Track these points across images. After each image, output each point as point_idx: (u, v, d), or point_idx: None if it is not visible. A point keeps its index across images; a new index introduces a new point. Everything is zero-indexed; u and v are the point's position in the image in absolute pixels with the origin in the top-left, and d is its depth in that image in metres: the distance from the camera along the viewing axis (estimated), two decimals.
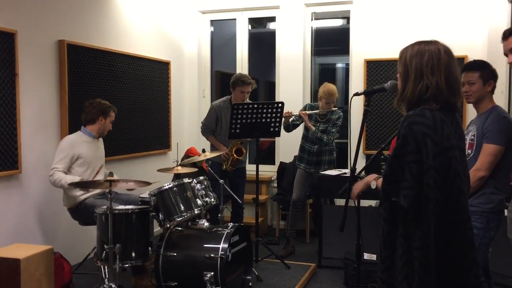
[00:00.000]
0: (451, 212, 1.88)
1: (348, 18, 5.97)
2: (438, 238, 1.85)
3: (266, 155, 6.60)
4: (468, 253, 1.91)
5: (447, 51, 1.94)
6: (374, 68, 5.60)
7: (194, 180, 3.74)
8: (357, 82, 5.71)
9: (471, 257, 1.92)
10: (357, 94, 2.26)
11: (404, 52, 1.98)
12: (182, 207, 3.57)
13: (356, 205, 2.51)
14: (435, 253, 1.85)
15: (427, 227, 1.84)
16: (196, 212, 3.62)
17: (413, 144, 1.84)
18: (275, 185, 6.02)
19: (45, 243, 4.05)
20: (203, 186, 3.79)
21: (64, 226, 4.34)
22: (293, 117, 4.78)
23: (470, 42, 5.19)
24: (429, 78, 1.88)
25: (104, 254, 3.36)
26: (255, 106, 4.31)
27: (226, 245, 3.38)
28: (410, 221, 1.88)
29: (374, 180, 2.07)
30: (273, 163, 6.26)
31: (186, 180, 3.68)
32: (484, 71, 2.89)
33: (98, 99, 4.14)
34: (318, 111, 4.77)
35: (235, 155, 4.66)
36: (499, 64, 3.93)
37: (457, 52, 2.00)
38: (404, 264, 1.88)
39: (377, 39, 5.62)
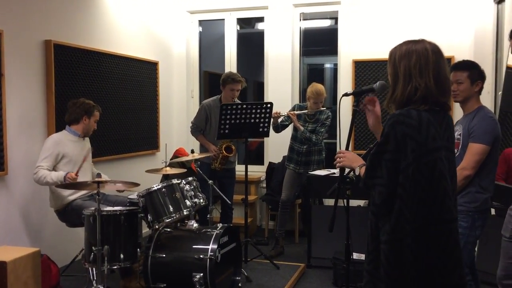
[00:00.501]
0: (436, 213, 1.89)
1: (336, 19, 6.00)
2: (423, 238, 1.87)
3: (255, 156, 6.60)
4: (453, 254, 1.93)
5: (435, 49, 1.94)
6: (362, 68, 5.63)
7: (183, 181, 3.73)
8: (345, 82, 5.74)
9: (456, 258, 1.94)
10: (346, 94, 2.26)
11: (393, 52, 1.99)
12: (171, 208, 3.55)
13: (346, 205, 2.51)
14: (421, 253, 1.87)
15: (395, 223, 1.88)
16: (185, 213, 3.61)
17: (393, 143, 1.86)
18: (264, 185, 6.02)
19: (32, 245, 4.00)
20: (192, 187, 3.78)
21: (51, 227, 4.30)
22: (282, 117, 4.78)
23: (457, 42, 5.23)
24: (417, 80, 1.89)
25: (92, 256, 3.34)
26: (244, 106, 4.31)
27: (216, 246, 3.37)
28: (381, 215, 1.94)
29: (359, 167, 2.07)
30: (261, 163, 6.26)
31: (175, 181, 3.67)
32: (472, 71, 2.92)
33: (82, 98, 4.10)
34: (306, 111, 4.78)
35: (224, 152, 4.65)
36: (485, 65, 3.98)
37: (444, 52, 2.00)
38: (375, 253, 1.97)
39: (365, 39, 5.64)
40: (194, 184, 3.82)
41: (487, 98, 4.70)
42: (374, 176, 1.91)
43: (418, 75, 1.89)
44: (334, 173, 4.53)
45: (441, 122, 1.94)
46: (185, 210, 3.61)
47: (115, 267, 3.44)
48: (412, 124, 1.85)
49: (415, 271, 1.88)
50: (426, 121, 1.87)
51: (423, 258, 1.87)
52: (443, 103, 1.95)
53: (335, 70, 6.94)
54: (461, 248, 2.69)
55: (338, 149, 5.78)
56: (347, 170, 2.25)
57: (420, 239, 1.87)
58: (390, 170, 1.86)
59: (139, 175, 4.75)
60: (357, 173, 2.08)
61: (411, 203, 1.86)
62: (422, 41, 1.96)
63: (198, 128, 4.84)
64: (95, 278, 3.53)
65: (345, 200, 2.53)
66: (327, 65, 7.30)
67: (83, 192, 3.93)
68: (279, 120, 4.79)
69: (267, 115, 4.38)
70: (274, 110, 4.51)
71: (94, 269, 3.52)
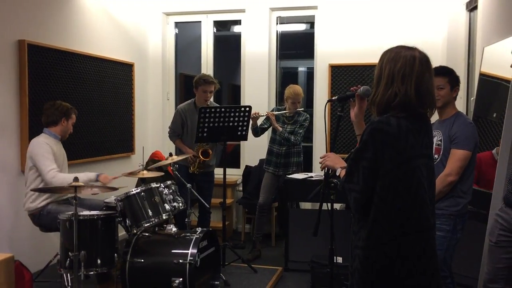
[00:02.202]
0: (413, 222, 1.89)
1: (312, 23, 6.04)
2: (400, 247, 1.88)
3: (230, 159, 6.58)
4: (431, 260, 1.93)
5: (423, 60, 1.93)
6: (339, 73, 5.68)
7: (162, 184, 3.68)
8: (321, 86, 5.79)
9: (433, 264, 1.94)
10: (331, 100, 2.27)
11: (384, 55, 1.98)
12: (150, 213, 3.50)
13: (330, 209, 2.53)
14: (397, 262, 1.87)
15: (370, 230, 1.89)
16: (164, 217, 3.56)
17: (371, 151, 1.85)
18: (240, 188, 6.01)
19: (3, 251, 3.89)
20: (171, 191, 3.73)
21: (23, 232, 4.18)
22: (261, 117, 4.79)
23: (430, 48, 5.24)
24: (398, 86, 1.88)
25: (68, 261, 3.25)
26: (223, 110, 4.29)
27: (195, 251, 3.34)
28: (357, 221, 1.96)
29: (340, 168, 2.08)
30: (238, 166, 6.24)
31: (153, 184, 3.62)
32: (451, 77, 2.98)
33: (59, 101, 4.02)
34: (285, 112, 4.81)
35: (201, 157, 4.62)
36: (458, 71, 4.04)
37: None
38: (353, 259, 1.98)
39: (341, 44, 5.70)
40: (172, 188, 3.78)
41: (459, 103, 4.81)
42: (351, 181, 1.90)
43: (400, 81, 1.88)
44: (311, 177, 4.55)
45: (420, 129, 1.93)
46: (164, 214, 3.57)
47: (92, 272, 3.37)
48: (391, 132, 1.85)
49: (390, 278, 1.88)
50: (405, 129, 1.86)
51: (400, 265, 1.88)
52: (421, 114, 1.94)
53: (308, 73, 7.00)
54: (444, 250, 2.76)
55: (314, 152, 5.88)
56: (332, 171, 2.26)
57: (397, 248, 1.87)
58: (366, 178, 1.86)
59: None
60: (337, 174, 2.10)
61: (388, 212, 1.86)
62: (413, 49, 1.95)
63: (176, 133, 4.80)
64: (69, 284, 3.46)
65: (328, 204, 2.53)
66: (301, 69, 7.35)
67: (57, 195, 3.83)
68: (259, 122, 4.79)
69: (246, 118, 4.37)
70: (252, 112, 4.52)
71: (69, 274, 3.44)
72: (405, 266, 1.88)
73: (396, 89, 1.88)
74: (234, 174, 6.10)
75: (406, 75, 1.88)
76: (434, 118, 3.18)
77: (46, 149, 3.73)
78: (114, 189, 3.44)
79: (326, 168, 2.24)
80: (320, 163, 2.20)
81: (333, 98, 2.26)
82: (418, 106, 1.90)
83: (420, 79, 1.89)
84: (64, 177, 3.64)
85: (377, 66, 1.99)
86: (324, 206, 2.43)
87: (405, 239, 1.88)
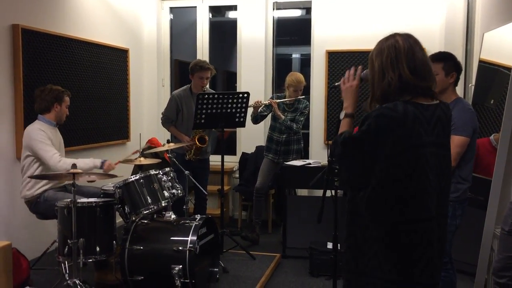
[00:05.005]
0: (412, 209, 1.85)
1: (308, 9, 5.99)
2: (400, 234, 1.85)
3: (227, 146, 6.54)
4: (426, 250, 1.87)
5: (406, 38, 1.91)
6: (336, 59, 5.65)
7: (160, 171, 3.65)
8: (318, 73, 5.76)
9: (429, 254, 1.88)
10: (334, 86, 2.23)
11: (370, 55, 1.97)
12: (149, 200, 3.47)
13: (334, 195, 2.51)
14: (400, 250, 1.85)
15: (369, 219, 1.88)
16: (163, 204, 3.54)
17: (373, 135, 1.83)
18: (237, 175, 5.99)
19: (0, 238, 3.85)
20: (169, 178, 3.70)
21: (19, 219, 4.14)
22: (263, 106, 4.76)
23: (428, 34, 5.32)
24: (390, 74, 1.87)
25: (66, 249, 3.22)
26: (221, 96, 4.25)
27: (195, 238, 3.32)
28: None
29: (344, 113, 2.04)
30: (234, 153, 6.22)
31: (152, 171, 3.59)
32: (447, 62, 2.95)
33: (49, 85, 3.92)
34: (286, 99, 4.78)
35: (198, 143, 4.59)
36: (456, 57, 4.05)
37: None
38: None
39: (338, 30, 5.66)
40: (171, 174, 3.75)
41: (457, 89, 4.81)
42: (346, 156, 1.90)
43: (390, 69, 1.87)
44: (309, 164, 4.54)
45: (431, 118, 1.89)
46: (163, 201, 3.54)
47: (91, 260, 3.35)
48: (396, 118, 1.81)
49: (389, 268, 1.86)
50: (412, 116, 1.83)
51: (394, 250, 1.85)
52: (425, 88, 1.90)
53: (302, 60, 6.95)
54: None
55: (310, 140, 5.86)
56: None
57: (394, 236, 1.85)
58: (365, 162, 1.85)
59: None
60: (341, 117, 2.05)
61: (384, 197, 1.84)
62: (393, 36, 1.93)
63: (169, 119, 4.75)
64: (67, 272, 3.43)
65: (332, 191, 2.52)
66: (295, 55, 7.30)
67: (54, 182, 3.79)
68: (259, 109, 4.76)
69: (244, 105, 4.34)
70: (252, 100, 4.48)
71: (66, 262, 3.42)
72: (401, 252, 1.85)
73: (388, 78, 1.87)
74: (231, 161, 6.07)
75: (394, 60, 1.87)
76: None
77: (42, 135, 3.68)
78: (113, 176, 3.40)
79: (332, 159, 2.19)
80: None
81: (336, 84, 2.22)
82: (418, 81, 1.87)
83: (410, 56, 1.87)
84: (70, 162, 3.54)
85: (369, 68, 1.98)
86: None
87: (401, 226, 1.84)
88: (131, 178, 3.49)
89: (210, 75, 4.61)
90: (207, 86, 4.67)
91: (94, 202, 3.37)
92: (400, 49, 1.87)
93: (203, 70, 4.53)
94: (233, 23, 6.15)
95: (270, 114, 4.90)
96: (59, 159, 3.61)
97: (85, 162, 3.69)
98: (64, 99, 3.89)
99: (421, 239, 1.86)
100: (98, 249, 3.33)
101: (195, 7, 6.23)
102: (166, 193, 3.58)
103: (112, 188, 3.55)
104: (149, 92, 6.29)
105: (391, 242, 1.85)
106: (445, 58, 2.98)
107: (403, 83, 1.86)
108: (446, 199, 1.98)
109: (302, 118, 4.81)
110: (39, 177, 3.51)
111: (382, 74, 1.89)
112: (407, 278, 1.85)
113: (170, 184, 3.66)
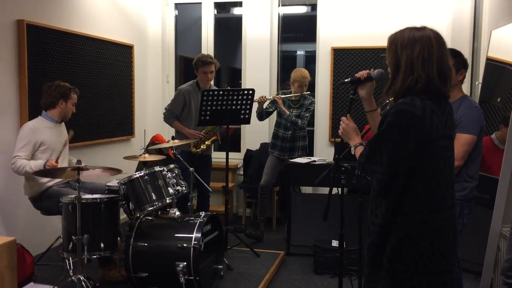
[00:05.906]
0: (429, 201, 1.88)
1: (314, 5, 5.96)
2: (416, 226, 1.87)
3: (230, 143, 6.53)
4: (444, 242, 1.91)
5: (438, 39, 1.90)
6: (341, 56, 5.62)
7: (165, 168, 3.64)
8: (324, 70, 5.73)
9: (451, 245, 1.93)
10: (342, 82, 2.21)
11: (394, 40, 1.93)
12: (154, 196, 3.46)
13: (340, 193, 2.49)
14: (415, 241, 1.87)
15: (386, 211, 1.89)
16: (168, 201, 3.53)
17: (396, 133, 1.83)
18: (241, 172, 5.98)
19: (4, 234, 3.85)
20: (174, 175, 3.69)
21: (24, 216, 4.14)
22: (268, 101, 4.74)
23: (435, 29, 5.27)
24: (419, 72, 1.85)
25: (71, 245, 3.22)
26: (226, 93, 4.23)
27: (199, 235, 3.31)
28: (375, 198, 1.95)
29: (354, 147, 2.06)
30: (238, 150, 6.20)
31: (157, 168, 3.58)
32: (457, 59, 2.92)
33: (57, 81, 3.92)
34: (292, 95, 4.77)
35: (208, 142, 4.62)
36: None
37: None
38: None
39: (344, 27, 5.63)
40: (176, 171, 3.74)
41: (463, 87, 4.77)
42: (374, 162, 1.88)
43: (420, 67, 1.85)
44: (314, 161, 4.52)
45: (444, 110, 1.91)
46: (168, 198, 3.54)
47: (95, 256, 3.34)
48: (417, 113, 1.82)
49: (402, 254, 1.88)
50: (429, 110, 1.84)
51: (415, 245, 1.87)
52: (443, 93, 1.92)
53: (307, 57, 6.92)
54: None
55: (315, 137, 5.84)
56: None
57: (415, 227, 1.87)
58: (391, 159, 1.84)
59: (115, 161, 4.65)
60: (352, 152, 2.07)
61: (403, 191, 1.86)
62: (424, 29, 1.91)
63: (173, 114, 4.71)
64: (71, 268, 3.43)
65: (339, 189, 2.50)
66: (299, 52, 7.27)
67: (59, 179, 3.79)
68: (264, 105, 4.74)
69: (249, 101, 4.32)
70: (257, 96, 4.47)
71: (71, 258, 3.41)
72: (421, 245, 1.87)
73: (417, 75, 1.85)
74: (235, 158, 6.06)
75: (426, 59, 1.86)
76: None
77: (26, 134, 3.67)
78: (119, 171, 3.38)
79: (339, 157, 2.20)
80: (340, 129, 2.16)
81: (345, 80, 2.20)
82: (441, 86, 1.88)
83: (440, 60, 1.88)
84: (21, 164, 3.55)
85: (389, 53, 1.95)
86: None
87: (417, 218, 1.87)
88: (135, 174, 3.48)
89: (215, 69, 4.59)
90: (212, 83, 4.64)
91: (99, 198, 3.37)
92: (433, 49, 1.87)
93: (205, 65, 4.52)
94: (238, 20, 6.13)
95: (275, 111, 4.88)
96: (13, 161, 3.59)
97: (34, 164, 3.62)
98: (71, 96, 3.87)
99: (445, 227, 1.90)
100: (102, 245, 3.32)
101: (200, 3, 6.21)
102: (170, 190, 3.57)
103: (117, 185, 3.55)
104: (153, 88, 6.28)
105: (420, 233, 1.87)
106: (455, 55, 2.95)
107: (429, 84, 1.86)
108: (454, 190, 2.01)
109: (307, 114, 4.79)
110: (44, 172, 3.50)
111: (410, 69, 1.87)
112: (447, 267, 1.89)
113: (174, 180, 3.65)
